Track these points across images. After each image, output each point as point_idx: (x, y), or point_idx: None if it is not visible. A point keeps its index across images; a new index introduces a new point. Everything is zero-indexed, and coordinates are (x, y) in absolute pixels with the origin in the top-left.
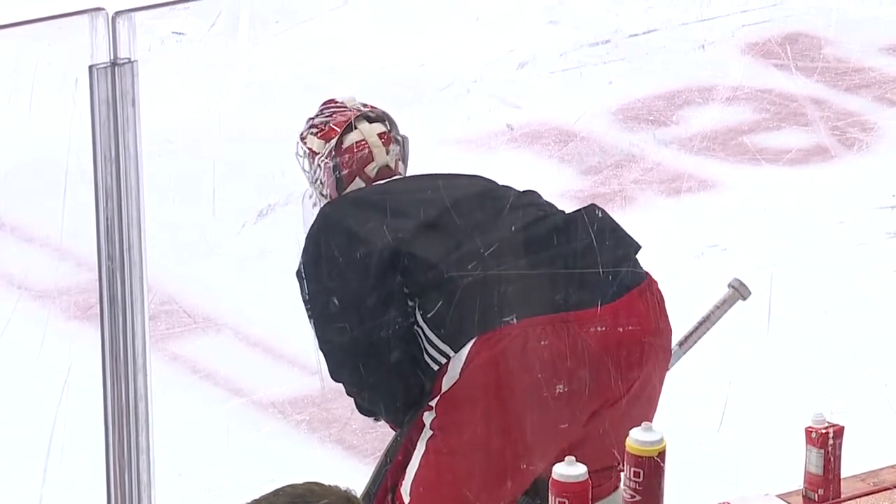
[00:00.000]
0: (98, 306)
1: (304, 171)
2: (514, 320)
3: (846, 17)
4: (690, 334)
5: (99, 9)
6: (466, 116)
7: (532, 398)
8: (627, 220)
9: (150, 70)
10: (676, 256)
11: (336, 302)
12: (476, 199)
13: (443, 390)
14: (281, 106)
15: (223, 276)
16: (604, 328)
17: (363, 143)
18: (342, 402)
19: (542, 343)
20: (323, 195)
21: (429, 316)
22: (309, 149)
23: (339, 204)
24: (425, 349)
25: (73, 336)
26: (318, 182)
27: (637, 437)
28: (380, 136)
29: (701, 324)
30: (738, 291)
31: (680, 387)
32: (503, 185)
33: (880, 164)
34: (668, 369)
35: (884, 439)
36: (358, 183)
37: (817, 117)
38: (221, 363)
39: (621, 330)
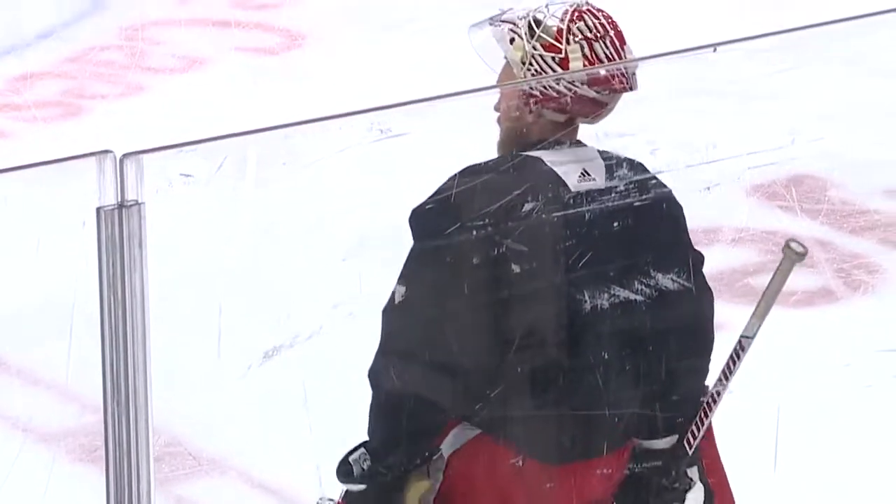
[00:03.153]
0: (103, 449)
1: (530, 44)
2: (520, 462)
3: (851, 160)
4: (757, 308)
5: (107, 151)
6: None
7: None
8: None
9: (158, 212)
10: None
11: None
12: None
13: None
14: (287, 247)
15: (228, 418)
16: (609, 471)
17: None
18: None
19: (547, 486)
20: (529, 85)
21: None
22: (565, 54)
23: None
24: None
25: (78, 479)
26: (539, 73)
27: None
28: None
29: (763, 296)
30: (791, 253)
31: None
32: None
33: (886, 306)
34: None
35: None
36: (544, 121)
37: (823, 259)
38: None
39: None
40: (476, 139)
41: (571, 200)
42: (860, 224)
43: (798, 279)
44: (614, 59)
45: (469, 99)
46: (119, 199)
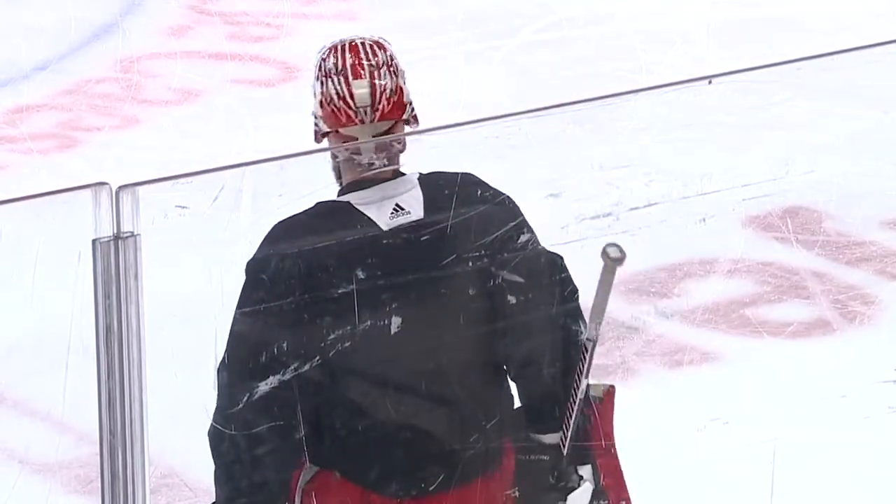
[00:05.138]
0: (99, 480)
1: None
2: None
3: (846, 191)
4: (591, 318)
5: (103, 183)
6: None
7: None
8: (629, 392)
9: (153, 243)
10: (678, 429)
11: None
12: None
13: None
14: None
15: None
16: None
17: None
18: None
19: None
20: (316, 128)
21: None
22: (313, 91)
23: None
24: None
25: None
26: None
27: None
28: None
29: (595, 307)
30: (610, 260)
31: None
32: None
33: (882, 337)
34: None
35: None
36: (347, 162)
37: (818, 290)
38: None
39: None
40: (470, 169)
41: (386, 240)
42: (856, 255)
43: (794, 310)
44: (343, 94)
45: (463, 131)
46: (115, 231)
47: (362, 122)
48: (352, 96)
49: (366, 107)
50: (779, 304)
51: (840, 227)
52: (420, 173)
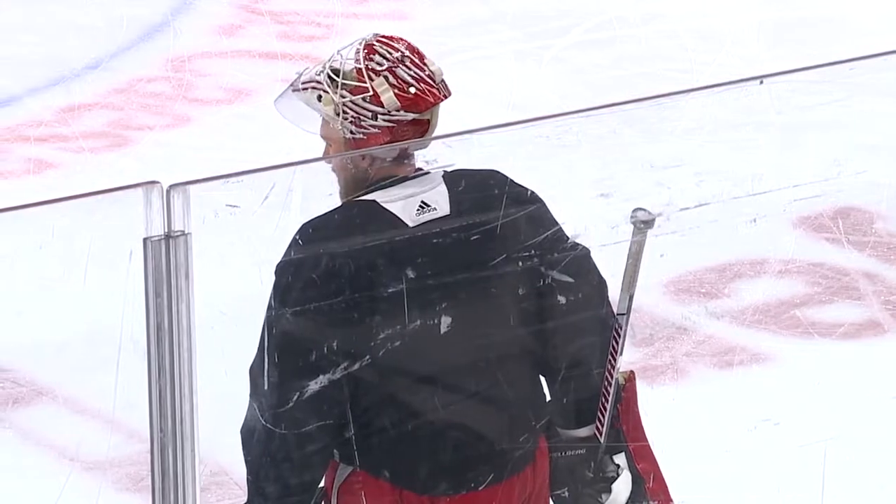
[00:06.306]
0: (150, 478)
1: (337, 94)
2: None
3: None
4: (623, 284)
5: (154, 182)
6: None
7: None
8: (679, 393)
9: (204, 242)
10: (729, 430)
11: None
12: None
13: None
14: None
15: None
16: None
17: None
18: None
19: None
20: (349, 132)
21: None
22: (373, 90)
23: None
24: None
25: None
26: (356, 118)
27: None
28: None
29: (626, 276)
30: (641, 224)
31: None
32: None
33: None
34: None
35: None
36: (378, 161)
37: (870, 291)
38: None
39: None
40: (520, 169)
41: (435, 239)
42: None
43: (845, 311)
44: (419, 77)
45: (512, 130)
46: (166, 230)
47: (445, 97)
48: (432, 74)
49: (443, 80)
50: (830, 305)
51: (892, 228)
52: (444, 171)
